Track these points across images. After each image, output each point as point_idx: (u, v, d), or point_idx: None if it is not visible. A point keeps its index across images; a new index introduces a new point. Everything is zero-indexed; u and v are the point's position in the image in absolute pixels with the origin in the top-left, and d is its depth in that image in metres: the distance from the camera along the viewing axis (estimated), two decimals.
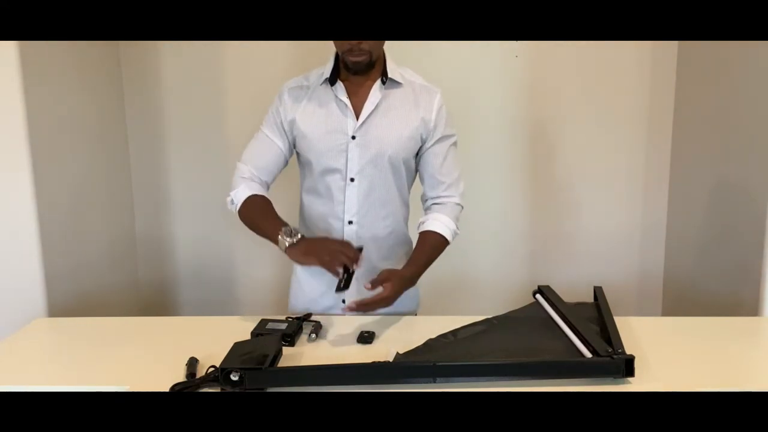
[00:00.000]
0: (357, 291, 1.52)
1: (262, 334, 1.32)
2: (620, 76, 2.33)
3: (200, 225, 2.48)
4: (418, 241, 1.50)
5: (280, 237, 1.37)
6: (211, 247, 2.50)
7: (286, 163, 1.56)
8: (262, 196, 1.49)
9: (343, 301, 1.53)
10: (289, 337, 1.32)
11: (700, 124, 2.16)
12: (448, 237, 1.49)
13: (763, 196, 1.75)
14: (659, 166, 2.39)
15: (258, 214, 1.46)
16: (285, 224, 1.40)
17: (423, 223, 1.52)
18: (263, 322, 1.38)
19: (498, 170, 2.42)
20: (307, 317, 1.42)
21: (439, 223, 1.49)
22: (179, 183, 2.44)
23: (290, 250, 1.36)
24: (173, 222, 2.48)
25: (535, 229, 2.46)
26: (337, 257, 1.31)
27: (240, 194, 1.48)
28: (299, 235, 1.37)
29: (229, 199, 1.50)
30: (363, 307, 1.32)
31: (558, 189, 2.43)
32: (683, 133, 2.30)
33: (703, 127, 2.15)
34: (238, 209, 1.49)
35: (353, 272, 1.33)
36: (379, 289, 1.33)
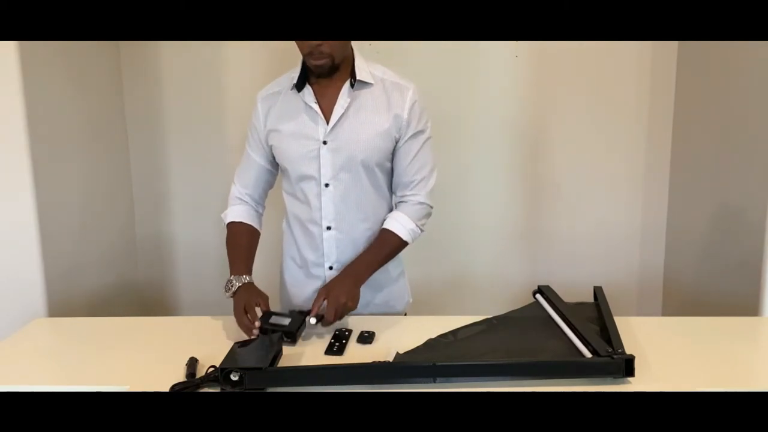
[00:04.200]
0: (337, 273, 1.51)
1: (267, 330, 1.31)
2: (620, 76, 2.33)
3: (200, 225, 2.48)
4: (375, 239, 1.50)
5: (225, 285, 1.45)
6: (210, 247, 2.49)
7: (274, 175, 1.59)
8: (240, 225, 1.54)
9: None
10: (291, 335, 1.31)
11: (700, 124, 2.16)
12: (404, 237, 1.47)
13: (763, 195, 1.75)
14: (659, 166, 2.39)
15: (229, 247, 1.52)
16: (235, 272, 1.45)
17: (384, 221, 1.51)
18: (267, 314, 1.36)
19: (498, 170, 2.41)
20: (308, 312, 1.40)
21: (396, 222, 1.47)
22: (179, 183, 2.44)
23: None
24: (173, 222, 2.48)
25: (535, 229, 2.46)
26: (241, 322, 1.34)
27: (228, 217, 1.56)
28: (235, 288, 1.42)
29: (222, 216, 1.57)
30: (326, 322, 1.33)
31: (558, 189, 2.43)
32: (683, 132, 2.30)
33: (703, 127, 2.15)
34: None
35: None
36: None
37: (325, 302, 1.34)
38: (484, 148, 2.37)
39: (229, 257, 1.50)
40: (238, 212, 1.55)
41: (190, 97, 2.36)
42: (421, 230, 1.51)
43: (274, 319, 1.35)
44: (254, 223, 1.56)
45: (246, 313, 1.34)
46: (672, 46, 2.28)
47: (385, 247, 1.48)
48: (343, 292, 1.35)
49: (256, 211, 1.58)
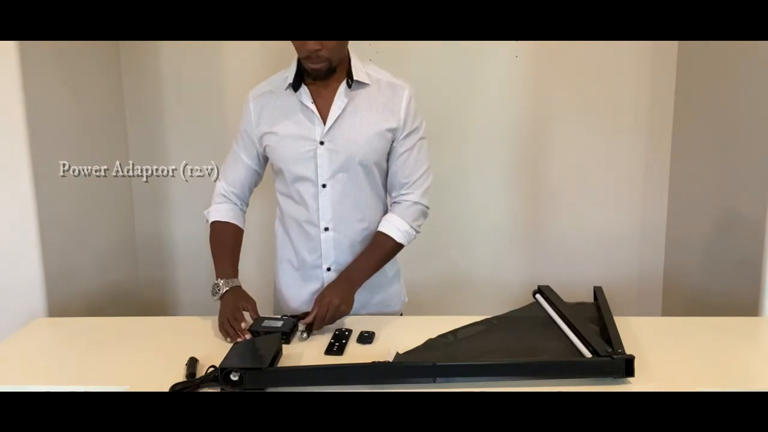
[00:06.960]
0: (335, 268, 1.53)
1: (258, 332, 1.32)
2: (620, 76, 2.33)
3: (200, 225, 2.45)
4: (369, 242, 1.50)
5: (211, 288, 1.47)
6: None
7: (260, 176, 1.58)
8: (225, 225, 1.54)
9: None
10: (285, 335, 1.32)
11: (700, 124, 2.16)
12: (399, 239, 1.46)
13: (763, 195, 1.75)
14: (659, 167, 2.39)
15: (214, 248, 1.54)
16: (221, 275, 1.47)
17: (379, 224, 1.50)
18: (260, 320, 1.38)
19: (498, 170, 2.41)
20: (302, 316, 1.42)
21: (390, 224, 1.47)
22: (179, 183, 2.43)
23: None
24: (173, 222, 2.48)
25: (535, 229, 2.46)
26: (222, 327, 1.37)
27: (211, 215, 1.55)
28: (222, 291, 1.44)
29: (205, 213, 1.57)
30: (315, 326, 1.36)
31: (558, 189, 2.43)
32: (683, 133, 2.30)
33: (703, 127, 2.15)
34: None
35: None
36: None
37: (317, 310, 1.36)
38: (483, 147, 2.37)
39: (214, 259, 1.50)
40: (223, 211, 1.54)
41: (190, 97, 2.36)
42: (417, 231, 1.49)
43: (266, 323, 1.36)
44: (239, 223, 1.55)
45: (234, 319, 1.35)
46: (672, 46, 2.28)
47: (380, 250, 1.47)
48: (336, 295, 1.37)
49: (241, 210, 1.58)
